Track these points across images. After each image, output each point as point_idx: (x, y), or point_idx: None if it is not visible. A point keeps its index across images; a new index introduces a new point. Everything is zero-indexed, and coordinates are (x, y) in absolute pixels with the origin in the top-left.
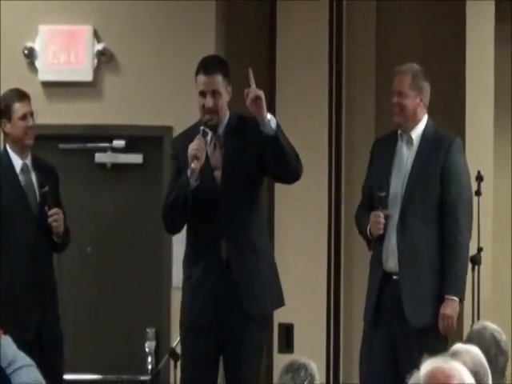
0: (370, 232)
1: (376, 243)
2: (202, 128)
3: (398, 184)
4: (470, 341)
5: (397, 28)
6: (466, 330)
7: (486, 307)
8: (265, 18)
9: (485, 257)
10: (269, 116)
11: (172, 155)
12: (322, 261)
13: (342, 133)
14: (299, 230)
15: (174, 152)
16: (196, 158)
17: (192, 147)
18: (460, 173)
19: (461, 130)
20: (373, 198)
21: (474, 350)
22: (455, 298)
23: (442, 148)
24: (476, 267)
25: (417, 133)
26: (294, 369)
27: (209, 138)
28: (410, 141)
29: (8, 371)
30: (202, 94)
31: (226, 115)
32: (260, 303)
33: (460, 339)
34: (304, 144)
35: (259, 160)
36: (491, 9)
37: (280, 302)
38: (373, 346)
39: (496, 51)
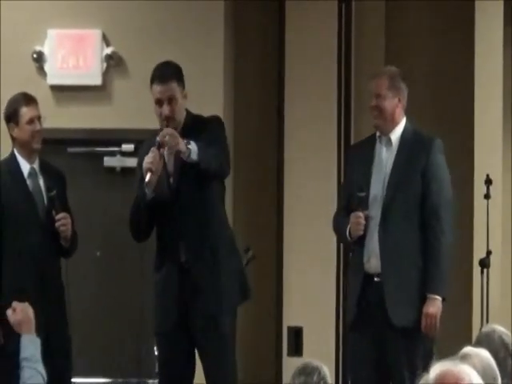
0: (349, 233)
1: (356, 245)
2: (157, 140)
3: (378, 186)
4: (478, 344)
5: (406, 28)
6: (475, 333)
7: (495, 310)
8: (273, 18)
9: (494, 260)
10: (188, 146)
11: (138, 163)
12: (331, 264)
13: (350, 135)
14: (308, 234)
15: (139, 159)
16: (150, 171)
17: (147, 160)
18: (441, 173)
19: (469, 134)
20: (352, 201)
21: (484, 354)
22: (438, 297)
23: (422, 148)
24: (485, 270)
25: (396, 135)
26: (307, 372)
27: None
28: (389, 143)
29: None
30: (159, 102)
31: (182, 119)
32: (218, 305)
33: (469, 342)
34: (313, 146)
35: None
36: (500, 9)
37: (244, 298)
38: (358, 349)
39: (505, 53)
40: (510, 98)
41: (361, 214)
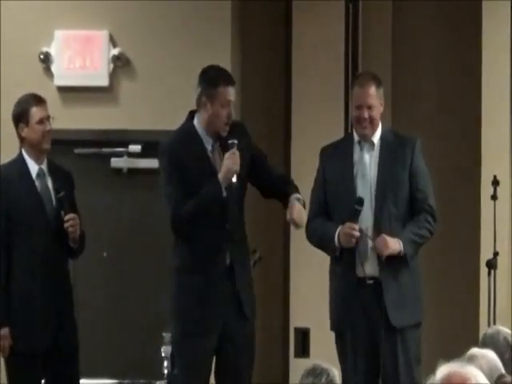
0: (338, 241)
1: (343, 252)
2: (235, 141)
3: (364, 190)
4: (484, 345)
5: (412, 28)
6: (482, 335)
7: (502, 311)
8: (280, 19)
9: (501, 261)
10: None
11: (173, 161)
12: None
13: None
14: None
15: (177, 160)
16: (236, 173)
17: (234, 162)
18: (425, 171)
19: (477, 135)
20: (331, 205)
21: (490, 355)
22: (402, 249)
23: (406, 148)
24: (492, 271)
25: (377, 137)
26: (316, 374)
27: (210, 146)
28: (371, 146)
29: None
30: (228, 104)
31: None
32: (253, 307)
33: (476, 344)
34: (320, 147)
35: (249, 172)
36: (507, 9)
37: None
38: (354, 354)
39: None
40: None
41: (356, 226)
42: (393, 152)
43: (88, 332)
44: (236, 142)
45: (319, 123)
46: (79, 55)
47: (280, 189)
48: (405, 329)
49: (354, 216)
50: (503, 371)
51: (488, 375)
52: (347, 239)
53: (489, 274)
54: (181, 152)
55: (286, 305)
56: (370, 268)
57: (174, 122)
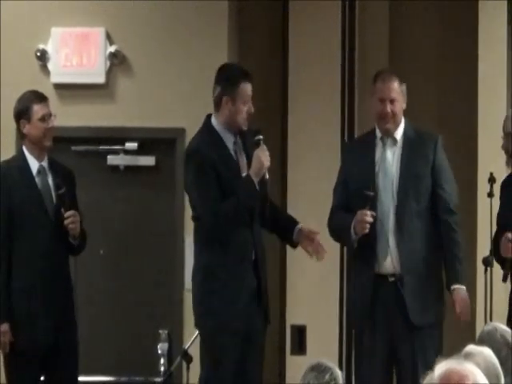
0: (354, 231)
1: (363, 245)
2: (261, 137)
3: (386, 186)
4: (480, 342)
5: (409, 28)
6: (479, 332)
7: (499, 309)
8: (277, 18)
9: None
10: None
11: (205, 163)
12: (334, 263)
13: (354, 134)
14: None
15: (208, 161)
16: (267, 168)
17: (265, 157)
18: (448, 168)
19: (473, 132)
20: (352, 201)
21: (487, 352)
22: (463, 287)
23: (428, 145)
24: (488, 269)
25: (399, 133)
26: (320, 369)
27: (231, 144)
28: (393, 142)
29: None
30: (248, 100)
31: None
32: (269, 307)
33: (472, 341)
34: (316, 146)
35: None
36: (503, 10)
37: None
38: (372, 350)
39: (509, 52)
40: None
41: (368, 211)
42: (415, 149)
43: (85, 329)
44: (262, 137)
45: (316, 122)
46: (76, 52)
47: (284, 216)
48: (425, 328)
49: (367, 202)
50: (500, 369)
51: (485, 372)
52: (360, 226)
53: (485, 271)
54: (209, 153)
55: (283, 302)
56: (389, 265)
57: (171, 120)
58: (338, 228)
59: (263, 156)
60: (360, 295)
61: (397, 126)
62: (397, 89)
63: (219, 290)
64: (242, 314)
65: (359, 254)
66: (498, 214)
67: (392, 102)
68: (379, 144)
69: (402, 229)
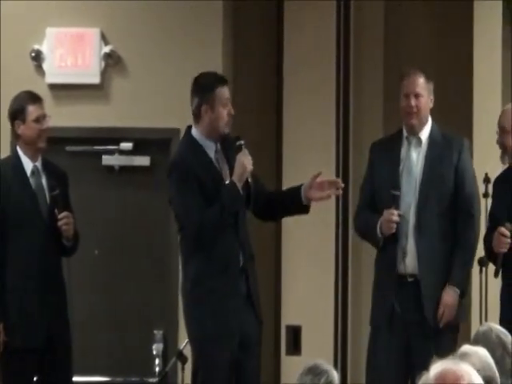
0: (380, 231)
1: (386, 244)
2: (242, 143)
3: (410, 186)
4: (476, 343)
5: (405, 27)
6: (474, 332)
7: (494, 309)
8: (272, 18)
9: None
10: None
11: (187, 173)
12: (329, 263)
13: (349, 134)
14: (307, 233)
15: (190, 171)
16: (250, 172)
17: (248, 161)
18: (471, 172)
19: (468, 133)
20: (377, 199)
21: (482, 352)
22: (457, 290)
23: (453, 148)
24: (483, 269)
25: (425, 134)
26: (316, 372)
27: (213, 153)
28: (418, 142)
29: None
30: (228, 103)
31: None
32: (260, 309)
33: (467, 341)
34: (311, 146)
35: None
36: (499, 9)
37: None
38: (387, 350)
39: (504, 53)
40: (509, 97)
41: (395, 211)
42: (440, 150)
43: (80, 329)
44: (243, 142)
45: (311, 122)
46: (71, 53)
47: (286, 193)
48: (442, 330)
49: (393, 202)
50: (495, 369)
51: (480, 373)
52: (387, 225)
53: (480, 271)
54: (192, 164)
55: (278, 302)
56: (410, 265)
57: (166, 120)
58: (364, 227)
59: (245, 160)
60: (381, 294)
61: (422, 123)
62: (422, 84)
63: (207, 298)
64: (233, 320)
65: (381, 252)
66: (490, 212)
67: (417, 96)
68: (405, 143)
69: (422, 229)
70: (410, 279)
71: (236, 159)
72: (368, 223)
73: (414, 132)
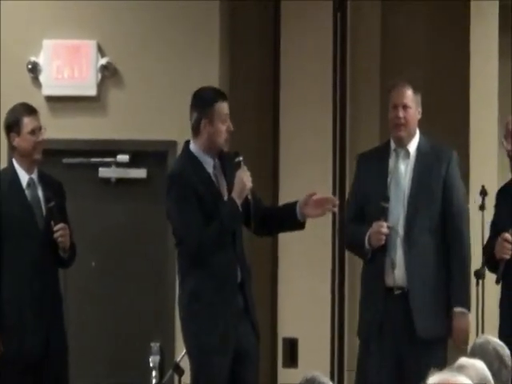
0: (368, 243)
1: (374, 257)
2: (241, 159)
3: (398, 198)
4: (473, 355)
5: (401, 40)
6: (471, 344)
7: (491, 321)
8: (269, 27)
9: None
10: None
11: (186, 188)
12: (326, 275)
13: (346, 143)
14: (303, 244)
15: (189, 186)
16: (250, 189)
17: (247, 178)
18: (460, 185)
19: (465, 144)
20: (365, 211)
21: (479, 365)
22: (467, 311)
23: (442, 160)
24: (480, 282)
25: (413, 147)
26: None
27: (211, 168)
28: (406, 154)
29: None
30: (226, 119)
31: None
32: (257, 324)
33: (464, 353)
34: (308, 157)
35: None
36: (495, 13)
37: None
38: (378, 364)
39: (500, 61)
40: (506, 108)
41: (384, 223)
42: (428, 162)
43: (76, 341)
44: (241, 158)
45: (308, 131)
46: (67, 65)
47: (281, 209)
48: (431, 341)
49: (382, 214)
50: (492, 382)
51: None
52: (377, 237)
53: (477, 283)
54: (190, 178)
55: (274, 315)
56: (396, 277)
57: (162, 133)
58: (352, 239)
59: (245, 177)
60: (369, 306)
61: (410, 135)
62: (410, 96)
63: (205, 312)
64: (229, 335)
65: (369, 265)
66: (493, 222)
67: (405, 108)
68: (393, 155)
69: (411, 241)
70: (397, 292)
71: (236, 176)
72: (356, 235)
73: (402, 144)
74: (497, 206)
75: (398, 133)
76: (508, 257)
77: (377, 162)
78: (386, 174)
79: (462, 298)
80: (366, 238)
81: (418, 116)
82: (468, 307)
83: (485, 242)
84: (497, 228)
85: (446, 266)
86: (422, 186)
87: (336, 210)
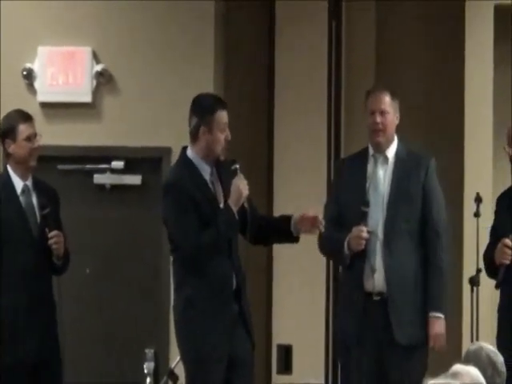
0: (348, 247)
1: (353, 262)
2: (238, 167)
3: (377, 204)
4: (466, 362)
5: (396, 47)
6: (464, 351)
7: (485, 328)
8: (263, 34)
9: (483, 278)
10: None
11: (183, 194)
12: (320, 283)
13: (341, 149)
14: (298, 252)
15: (186, 192)
16: (246, 197)
17: (244, 186)
18: (438, 192)
19: (459, 151)
20: (344, 216)
21: (473, 371)
22: (442, 316)
23: (420, 166)
24: (475, 288)
25: (391, 152)
26: None
27: (208, 175)
28: (385, 160)
29: None
30: (225, 128)
31: None
32: (253, 331)
33: (459, 360)
34: (302, 165)
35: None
36: (490, 14)
37: None
38: (359, 369)
39: (495, 68)
40: (500, 115)
41: (364, 228)
42: (406, 169)
43: (71, 348)
44: (238, 166)
45: (302, 138)
46: (62, 71)
47: (277, 221)
48: (411, 347)
49: (362, 218)
50: None
51: None
52: (356, 242)
53: (472, 290)
54: (187, 184)
55: (269, 322)
56: (375, 283)
57: (157, 139)
58: (330, 244)
59: (241, 185)
60: (348, 312)
61: (388, 141)
62: (388, 101)
63: (200, 319)
64: (224, 342)
65: (349, 271)
66: (493, 228)
67: (382, 113)
68: (371, 160)
69: (390, 246)
70: (376, 298)
71: (232, 183)
72: (334, 240)
73: (381, 150)
74: (497, 212)
75: (376, 138)
76: (508, 262)
77: (355, 168)
78: (365, 180)
79: (437, 302)
80: (346, 243)
81: (396, 121)
82: (443, 312)
83: (480, 249)
84: (497, 234)
85: (426, 271)
86: (401, 191)
87: (322, 228)
